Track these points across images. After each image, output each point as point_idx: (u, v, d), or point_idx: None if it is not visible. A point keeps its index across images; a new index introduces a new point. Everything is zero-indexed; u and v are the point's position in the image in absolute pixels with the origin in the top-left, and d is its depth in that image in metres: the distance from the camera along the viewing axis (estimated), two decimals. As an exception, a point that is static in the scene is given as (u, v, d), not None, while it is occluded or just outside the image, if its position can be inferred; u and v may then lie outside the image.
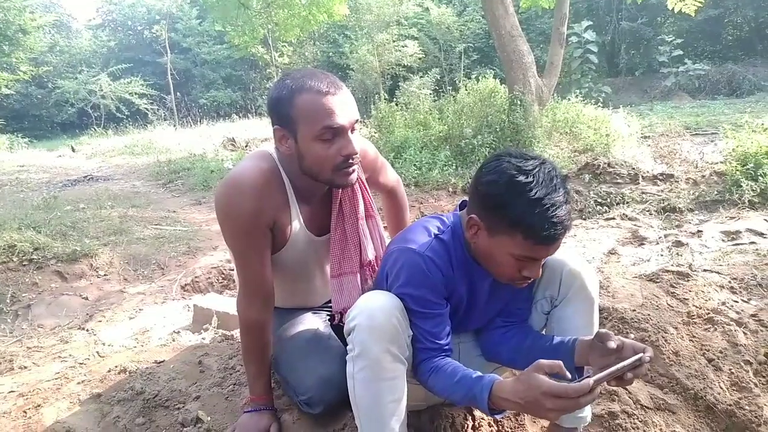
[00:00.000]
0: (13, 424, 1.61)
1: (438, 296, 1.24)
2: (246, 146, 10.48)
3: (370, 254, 1.54)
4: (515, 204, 1.10)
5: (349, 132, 1.32)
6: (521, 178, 1.10)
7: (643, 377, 1.77)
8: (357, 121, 1.34)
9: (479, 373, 1.15)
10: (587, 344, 1.19)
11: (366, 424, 1.19)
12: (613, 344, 1.09)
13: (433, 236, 1.26)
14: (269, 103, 1.36)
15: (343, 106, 1.30)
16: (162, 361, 1.88)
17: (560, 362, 1.01)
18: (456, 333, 1.41)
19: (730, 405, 1.70)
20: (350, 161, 1.34)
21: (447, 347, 1.26)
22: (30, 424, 1.59)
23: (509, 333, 1.39)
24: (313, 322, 1.64)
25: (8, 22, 14.32)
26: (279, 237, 1.44)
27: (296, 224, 1.46)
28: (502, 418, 1.55)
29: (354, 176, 1.39)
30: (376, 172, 1.71)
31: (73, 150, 13.62)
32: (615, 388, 1.65)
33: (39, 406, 1.67)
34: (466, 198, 1.29)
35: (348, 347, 1.20)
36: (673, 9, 6.87)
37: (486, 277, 1.29)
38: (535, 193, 1.08)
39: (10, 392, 1.81)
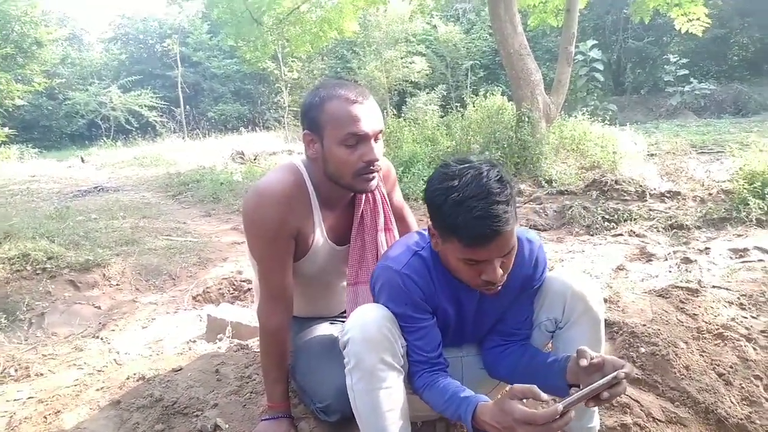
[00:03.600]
0: (34, 429, 1.64)
1: (420, 311, 1.26)
2: (254, 159, 10.55)
3: None
4: (444, 210, 1.11)
5: (372, 140, 1.37)
6: (446, 183, 1.12)
7: (654, 390, 1.79)
8: (381, 131, 1.40)
9: (468, 392, 1.17)
10: (576, 362, 1.16)
11: None
12: (584, 362, 1.09)
13: (413, 253, 1.28)
14: (302, 109, 1.43)
15: (368, 115, 1.36)
16: (179, 369, 1.90)
17: (532, 387, 1.02)
18: (458, 346, 1.44)
19: (741, 419, 1.71)
20: (371, 168, 1.39)
21: (436, 359, 1.28)
22: (51, 429, 1.63)
23: (507, 351, 1.40)
24: (330, 331, 1.67)
25: (24, 35, 14.58)
26: (301, 245, 1.49)
27: (318, 233, 1.51)
28: None
29: (374, 183, 1.44)
30: (394, 192, 1.77)
31: (83, 161, 13.77)
32: (626, 400, 1.67)
33: (59, 412, 1.71)
34: None
35: (345, 360, 1.23)
36: (680, 29, 6.95)
37: (472, 290, 1.29)
38: (458, 195, 1.09)
39: (29, 398, 1.84)
